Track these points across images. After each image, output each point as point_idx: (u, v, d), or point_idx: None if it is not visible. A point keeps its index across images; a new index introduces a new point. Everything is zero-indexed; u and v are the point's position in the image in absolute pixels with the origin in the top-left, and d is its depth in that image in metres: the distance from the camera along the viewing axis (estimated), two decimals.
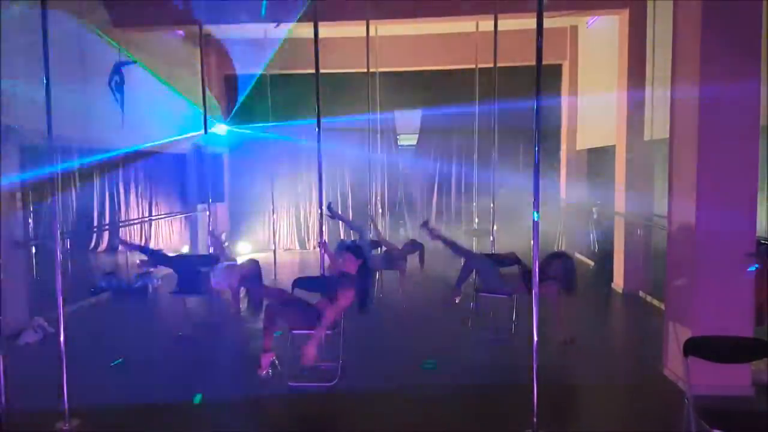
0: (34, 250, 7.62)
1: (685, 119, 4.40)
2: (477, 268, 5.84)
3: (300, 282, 5.08)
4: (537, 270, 3.65)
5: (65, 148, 7.79)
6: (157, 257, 6.11)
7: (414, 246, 7.22)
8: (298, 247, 11.78)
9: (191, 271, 5.82)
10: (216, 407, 4.20)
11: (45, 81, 3.83)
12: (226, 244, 11.17)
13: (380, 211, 10.09)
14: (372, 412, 4.15)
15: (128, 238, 9.45)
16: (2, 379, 3.84)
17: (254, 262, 5.26)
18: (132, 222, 11.26)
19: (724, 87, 4.12)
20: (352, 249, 4.80)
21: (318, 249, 5.17)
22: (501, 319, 5.93)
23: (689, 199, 4.31)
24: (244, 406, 4.26)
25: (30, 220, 7.88)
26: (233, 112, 10.21)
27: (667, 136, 4.70)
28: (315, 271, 6.29)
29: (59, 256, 3.97)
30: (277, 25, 8.28)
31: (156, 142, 8.99)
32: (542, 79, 3.61)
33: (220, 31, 9.43)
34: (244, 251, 11.25)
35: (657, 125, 6.86)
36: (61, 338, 3.88)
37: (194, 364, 5.12)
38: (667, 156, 4.67)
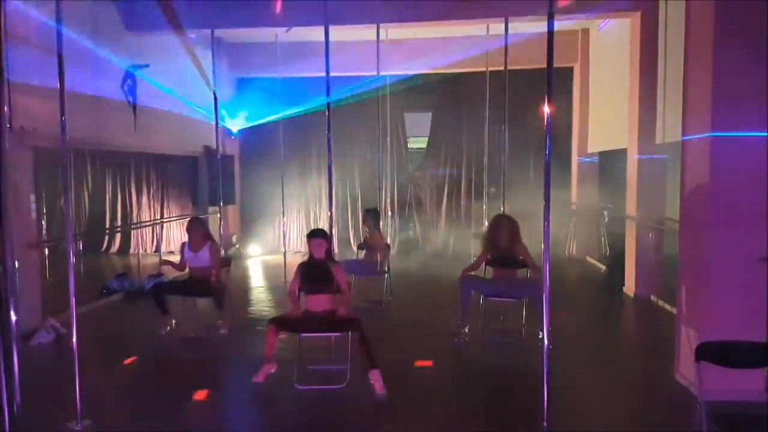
0: (47, 252, 7.72)
1: (697, 122, 4.37)
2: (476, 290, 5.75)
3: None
4: (548, 273, 3.62)
5: (78, 151, 7.86)
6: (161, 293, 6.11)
7: (371, 214, 7.41)
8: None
9: (175, 287, 6.10)
10: (224, 408, 4.21)
11: (59, 83, 3.87)
12: (237, 245, 11.26)
13: (390, 213, 10.09)
14: (381, 414, 4.14)
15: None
16: (16, 380, 3.87)
17: (195, 219, 6.18)
18: (144, 224, 11.36)
19: (736, 89, 4.09)
20: (318, 233, 4.78)
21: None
22: (511, 322, 5.91)
23: (701, 203, 4.28)
24: (251, 408, 4.28)
25: (43, 222, 7.98)
26: (244, 114, 10.27)
27: (679, 139, 4.67)
28: None
29: (72, 257, 4.01)
30: (288, 29, 8.33)
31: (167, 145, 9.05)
32: (553, 82, 3.60)
33: (231, 34, 9.51)
34: (254, 253, 11.30)
35: (669, 128, 6.81)
36: (74, 339, 3.91)
37: (203, 365, 5.16)
38: (680, 159, 4.64)
